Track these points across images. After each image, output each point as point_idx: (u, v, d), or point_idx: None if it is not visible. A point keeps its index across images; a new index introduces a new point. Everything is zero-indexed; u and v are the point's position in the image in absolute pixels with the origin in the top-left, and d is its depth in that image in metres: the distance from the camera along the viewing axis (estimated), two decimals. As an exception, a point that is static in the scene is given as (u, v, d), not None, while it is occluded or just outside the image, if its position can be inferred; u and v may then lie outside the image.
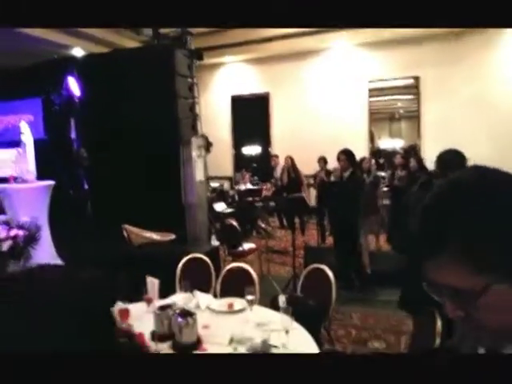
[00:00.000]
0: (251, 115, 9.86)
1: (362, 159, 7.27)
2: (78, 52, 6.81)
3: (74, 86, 4.95)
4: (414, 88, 8.58)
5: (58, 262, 4.97)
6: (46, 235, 4.88)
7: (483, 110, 7.39)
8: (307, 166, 7.72)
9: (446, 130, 7.99)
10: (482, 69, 7.54)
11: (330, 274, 2.81)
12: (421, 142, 8.60)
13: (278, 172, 8.08)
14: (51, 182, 5.08)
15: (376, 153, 9.00)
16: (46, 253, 4.83)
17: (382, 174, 7.49)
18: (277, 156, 8.56)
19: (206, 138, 5.83)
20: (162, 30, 5.00)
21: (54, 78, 5.15)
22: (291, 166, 7.47)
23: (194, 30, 5.77)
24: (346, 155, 4.50)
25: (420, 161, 6.05)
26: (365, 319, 4.06)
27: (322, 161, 7.25)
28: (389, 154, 8.85)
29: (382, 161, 8.68)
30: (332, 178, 4.68)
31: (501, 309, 0.58)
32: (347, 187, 4.53)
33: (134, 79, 4.44)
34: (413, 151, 7.89)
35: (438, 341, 1.88)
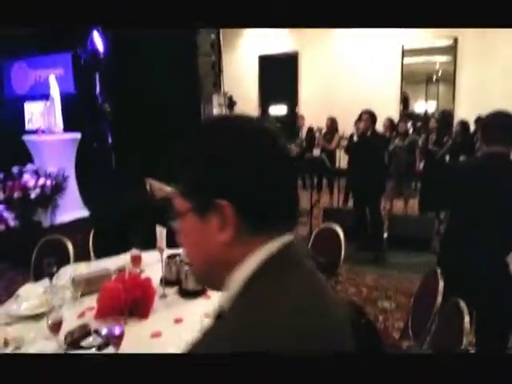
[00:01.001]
0: (279, 75, 9.63)
1: (398, 122, 7.01)
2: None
3: (98, 40, 4.98)
4: (451, 49, 8.08)
5: (85, 211, 5.22)
6: (72, 185, 5.11)
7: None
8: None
9: (482, 94, 7.56)
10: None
11: (341, 233, 2.82)
12: (454, 106, 8.20)
13: (303, 133, 7.95)
14: (77, 135, 5.25)
15: (410, 116, 8.67)
16: (72, 202, 5.08)
17: (417, 137, 7.23)
18: (303, 117, 8.39)
19: (229, 97, 5.78)
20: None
21: (81, 33, 5.19)
22: (331, 127, 7.18)
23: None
24: (369, 115, 4.40)
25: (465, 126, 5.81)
26: (377, 280, 4.10)
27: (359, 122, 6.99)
28: (424, 118, 8.53)
29: (418, 124, 8.39)
30: (355, 138, 4.60)
31: None
32: (369, 147, 4.45)
33: (156, 35, 4.41)
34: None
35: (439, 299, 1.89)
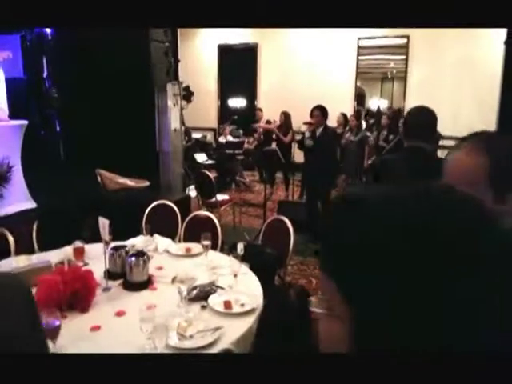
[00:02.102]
0: (239, 66, 9.58)
1: (350, 117, 7.26)
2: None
3: (44, 21, 4.75)
4: (404, 47, 8.39)
5: (32, 203, 4.99)
6: (19, 176, 4.86)
7: (469, 73, 7.32)
8: (293, 122, 7.64)
9: (431, 91, 7.93)
10: (471, 31, 7.37)
11: (289, 224, 2.89)
12: (405, 103, 8.55)
13: (261, 125, 8.00)
14: (24, 122, 4.98)
15: (365, 112, 8.94)
16: (18, 193, 4.83)
17: (369, 134, 7.49)
18: (261, 110, 8.44)
19: (186, 87, 5.70)
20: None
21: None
22: (285, 121, 7.30)
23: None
24: (320, 111, 4.48)
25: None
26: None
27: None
28: (378, 114, 8.82)
29: (371, 121, 8.65)
30: (307, 134, 4.68)
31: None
32: (320, 143, 4.55)
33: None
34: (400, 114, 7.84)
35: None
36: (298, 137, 6.50)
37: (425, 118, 2.08)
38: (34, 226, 2.84)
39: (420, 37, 8.06)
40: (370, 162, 6.53)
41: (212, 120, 10.01)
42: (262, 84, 9.58)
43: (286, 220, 2.95)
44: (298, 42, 8.98)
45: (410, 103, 8.39)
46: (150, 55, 4.26)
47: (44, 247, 2.71)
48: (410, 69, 8.43)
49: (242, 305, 1.93)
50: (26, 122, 5.02)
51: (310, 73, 8.87)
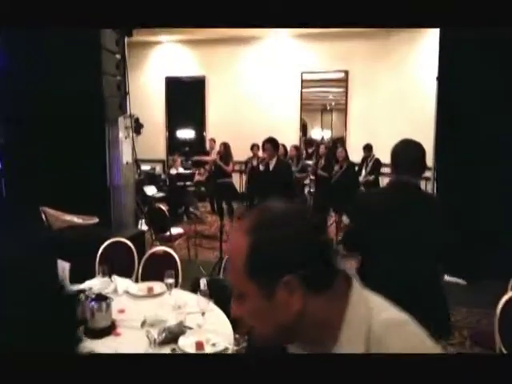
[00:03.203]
0: (186, 98, 9.66)
1: (290, 148, 7.59)
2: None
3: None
4: (343, 81, 8.95)
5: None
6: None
7: (403, 106, 7.93)
8: (240, 153, 7.79)
9: (369, 123, 8.48)
10: (405, 66, 8.05)
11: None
12: (346, 133, 9.04)
13: (212, 156, 8.07)
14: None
15: (307, 142, 9.33)
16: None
17: (310, 162, 7.80)
18: (214, 140, 8.53)
19: (135, 119, 5.63)
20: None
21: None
22: (224, 152, 7.51)
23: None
24: (271, 143, 4.58)
25: (345, 152, 6.39)
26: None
27: (256, 147, 7.35)
28: (318, 144, 9.24)
29: (311, 150, 9.02)
30: (261, 167, 4.75)
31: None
32: (275, 175, 4.63)
33: (58, 52, 4.14)
34: (339, 142, 8.29)
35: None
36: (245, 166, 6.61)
37: (414, 152, 2.05)
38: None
39: (358, 72, 8.67)
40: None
41: (160, 151, 9.91)
42: (210, 115, 9.70)
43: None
44: (245, 75, 9.27)
45: (351, 133, 8.91)
46: (102, 88, 4.17)
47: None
48: (349, 101, 8.97)
49: (214, 344, 1.89)
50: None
51: (257, 104, 9.15)
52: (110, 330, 1.97)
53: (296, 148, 7.76)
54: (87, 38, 4.13)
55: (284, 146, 7.66)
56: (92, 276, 2.76)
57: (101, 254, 3.22)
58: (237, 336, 2.11)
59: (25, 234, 3.74)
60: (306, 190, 7.14)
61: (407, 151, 2.06)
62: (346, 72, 8.81)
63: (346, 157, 6.27)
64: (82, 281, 2.56)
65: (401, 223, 1.97)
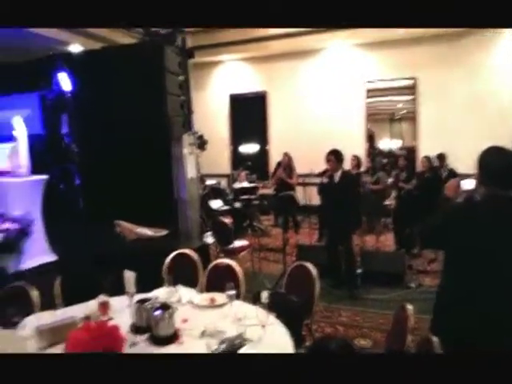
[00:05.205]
0: (249, 113, 9.89)
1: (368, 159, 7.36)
2: (75, 48, 6.85)
3: (64, 81, 5.00)
4: (411, 89, 8.58)
5: (51, 257, 5.01)
6: (38, 230, 4.92)
7: (477, 111, 7.40)
8: (304, 165, 7.73)
9: (442, 130, 8.00)
10: (478, 70, 7.54)
11: (313, 271, 2.83)
12: (417, 142, 8.61)
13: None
14: (44, 177, 5.12)
15: (376, 154, 9.05)
16: (38, 247, 4.87)
17: (385, 174, 7.51)
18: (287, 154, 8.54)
19: (200, 136, 5.84)
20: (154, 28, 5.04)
21: (47, 74, 5.20)
22: (288, 164, 7.49)
23: (188, 28, 5.79)
24: (335, 155, 4.48)
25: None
26: (353, 317, 4.09)
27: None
28: (390, 155, 8.91)
29: (384, 161, 8.73)
30: (324, 180, 4.67)
31: None
32: (340, 189, 4.52)
33: (124, 76, 4.47)
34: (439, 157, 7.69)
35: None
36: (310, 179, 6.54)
37: (504, 161, 1.82)
38: (58, 281, 2.83)
39: (427, 78, 8.27)
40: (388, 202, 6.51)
41: (225, 166, 10.18)
42: (272, 129, 9.80)
43: (309, 265, 2.89)
44: (306, 88, 9.27)
45: (422, 142, 8.46)
46: (167, 108, 4.41)
47: (67, 301, 2.68)
48: (418, 109, 8.57)
49: (274, 358, 1.85)
50: (45, 177, 5.16)
51: (319, 116, 9.08)
52: (173, 338, 2.02)
53: (372, 159, 7.53)
54: (151, 62, 4.42)
55: (357, 157, 7.48)
56: (160, 285, 2.87)
57: (168, 264, 3.34)
58: (299, 351, 2.06)
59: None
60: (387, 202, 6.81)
61: (496, 160, 1.84)
62: (414, 79, 8.45)
63: (431, 166, 6.02)
64: (150, 290, 2.67)
65: (494, 237, 1.79)
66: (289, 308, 2.59)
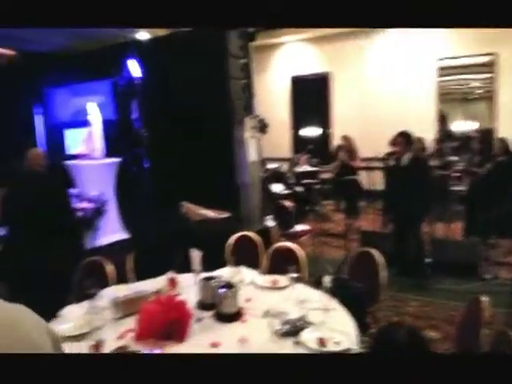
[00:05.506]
0: (311, 95, 9.69)
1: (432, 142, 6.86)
2: (142, 35, 7.11)
3: (134, 68, 5.23)
4: (490, 66, 7.87)
5: (124, 234, 5.36)
6: (113, 209, 5.27)
7: None
8: (369, 149, 7.46)
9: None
10: None
11: (379, 258, 2.74)
12: (495, 124, 7.92)
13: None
14: (117, 160, 5.45)
15: (449, 136, 8.46)
16: (112, 225, 5.23)
17: (455, 158, 7.03)
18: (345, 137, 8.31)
19: (261, 119, 5.84)
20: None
21: (118, 61, 5.47)
22: (349, 146, 7.23)
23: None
24: (404, 137, 4.25)
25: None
26: (421, 308, 3.92)
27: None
28: (463, 138, 8.29)
29: (456, 144, 8.16)
30: (391, 162, 4.46)
31: None
32: (408, 173, 4.30)
33: (188, 61, 4.57)
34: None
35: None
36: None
37: None
38: (130, 257, 3.01)
39: (509, 54, 7.53)
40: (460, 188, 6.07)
41: (286, 150, 10.12)
42: (335, 112, 9.54)
43: (375, 252, 2.81)
44: (372, 68, 8.87)
45: (502, 124, 7.77)
46: (229, 91, 4.45)
47: (138, 276, 2.85)
48: (498, 88, 7.85)
49: (337, 343, 1.83)
50: (118, 160, 5.49)
51: (386, 97, 8.67)
52: (237, 316, 2.07)
53: (438, 141, 6.95)
54: (214, 46, 4.46)
55: (420, 139, 7.05)
56: (223, 265, 2.94)
57: (231, 246, 3.41)
58: (363, 338, 2.01)
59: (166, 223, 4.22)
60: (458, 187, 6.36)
61: None
62: (494, 55, 7.73)
63: (506, 149, 5.52)
64: (213, 269, 2.76)
65: None
66: (352, 294, 2.54)
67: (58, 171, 4.88)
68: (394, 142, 4.36)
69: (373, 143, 7.30)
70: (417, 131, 6.95)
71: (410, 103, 8.43)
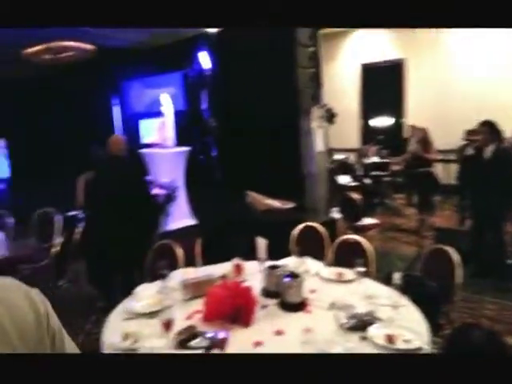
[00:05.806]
0: (382, 84, 9.25)
1: None
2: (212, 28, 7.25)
3: (204, 60, 5.35)
4: None
5: (193, 220, 5.56)
6: (182, 196, 5.49)
7: None
8: (447, 141, 6.99)
9: None
10: None
11: (455, 256, 2.56)
12: None
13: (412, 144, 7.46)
14: (187, 149, 5.65)
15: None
16: (182, 211, 5.45)
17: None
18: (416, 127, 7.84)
19: (328, 109, 5.70)
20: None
21: (189, 54, 5.64)
22: (423, 137, 6.79)
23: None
24: (489, 127, 3.89)
25: None
26: (500, 311, 3.63)
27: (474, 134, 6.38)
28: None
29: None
30: (471, 152, 4.11)
31: None
32: (492, 165, 3.95)
33: (256, 51, 4.58)
34: None
35: None
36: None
37: None
38: (199, 242, 3.11)
39: None
40: None
41: (353, 140, 9.81)
42: (409, 101, 9.03)
43: (450, 250, 2.63)
44: (450, 52, 8.25)
45: None
46: (297, 81, 4.40)
47: (206, 261, 2.95)
48: None
49: (407, 341, 1.74)
50: (188, 149, 5.69)
51: (466, 85, 8.01)
52: (301, 306, 2.05)
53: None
54: (282, 35, 4.40)
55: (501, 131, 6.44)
56: (287, 255, 2.94)
57: (295, 236, 3.39)
58: (435, 339, 1.90)
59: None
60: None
61: None
62: None
63: None
64: (278, 258, 2.76)
65: None
66: (426, 292, 2.41)
67: (136, 158, 5.18)
68: (476, 132, 4.01)
69: (451, 135, 6.82)
70: (503, 124, 6.40)
71: (495, 90, 7.71)
